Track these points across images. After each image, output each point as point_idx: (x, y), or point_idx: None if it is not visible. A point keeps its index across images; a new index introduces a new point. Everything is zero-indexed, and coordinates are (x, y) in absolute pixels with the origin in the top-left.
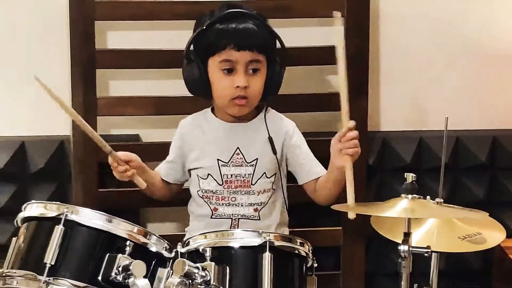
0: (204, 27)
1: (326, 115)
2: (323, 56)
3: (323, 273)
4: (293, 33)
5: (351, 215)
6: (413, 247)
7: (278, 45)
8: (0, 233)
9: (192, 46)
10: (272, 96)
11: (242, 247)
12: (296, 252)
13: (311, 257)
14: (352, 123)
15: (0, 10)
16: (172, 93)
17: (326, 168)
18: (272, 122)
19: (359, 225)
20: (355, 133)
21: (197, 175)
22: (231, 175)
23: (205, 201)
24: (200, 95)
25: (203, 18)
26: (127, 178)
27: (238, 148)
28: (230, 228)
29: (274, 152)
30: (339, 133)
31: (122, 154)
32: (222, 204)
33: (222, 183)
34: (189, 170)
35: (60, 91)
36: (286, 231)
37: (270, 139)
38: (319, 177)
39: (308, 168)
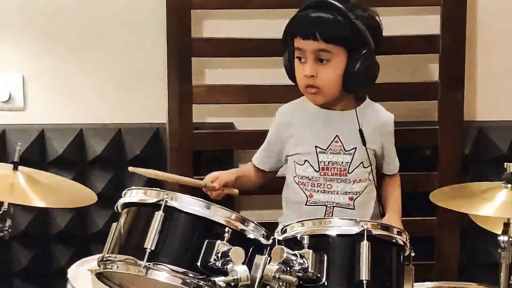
0: (294, 16)
1: (421, 104)
2: (419, 45)
3: (417, 263)
4: (390, 22)
5: None
6: None
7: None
8: (98, 218)
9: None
10: (358, 88)
11: (339, 235)
12: (394, 241)
13: (408, 246)
14: None
15: (100, 4)
16: (267, 81)
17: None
18: (369, 114)
19: (455, 215)
20: None
21: (294, 161)
22: (328, 162)
23: (300, 187)
24: (292, 80)
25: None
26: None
27: (337, 136)
28: (325, 215)
29: (364, 143)
30: None
31: (210, 179)
32: (318, 191)
33: (319, 169)
34: (286, 157)
35: (157, 80)
36: None
37: (360, 131)
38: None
39: (392, 162)
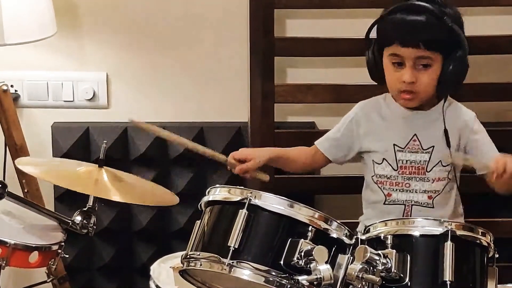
0: (382, 17)
1: (503, 104)
2: (500, 45)
3: (500, 264)
4: (480, 22)
5: None
6: None
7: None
8: (180, 216)
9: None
10: (451, 91)
11: (423, 236)
12: (478, 242)
13: (492, 247)
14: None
15: (184, 4)
16: (349, 81)
17: None
18: (450, 114)
19: None
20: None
21: (372, 160)
22: (407, 161)
23: (379, 186)
24: (375, 81)
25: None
26: (248, 176)
27: (415, 134)
28: (404, 214)
29: (448, 145)
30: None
31: (238, 154)
32: (396, 189)
33: (397, 168)
34: (361, 154)
35: (239, 79)
36: (461, 221)
37: (446, 132)
38: None
39: (490, 158)
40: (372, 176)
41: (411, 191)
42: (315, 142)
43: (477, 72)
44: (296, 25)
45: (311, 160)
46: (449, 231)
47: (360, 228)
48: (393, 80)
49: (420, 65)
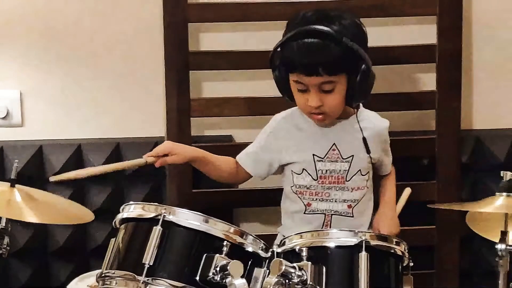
0: (283, 42)
1: (419, 113)
2: (416, 54)
3: (417, 272)
4: (387, 32)
5: None
6: (510, 245)
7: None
8: (97, 233)
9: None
10: (359, 102)
11: (338, 247)
12: (392, 251)
13: (407, 256)
14: None
15: (97, 20)
16: (266, 93)
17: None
18: (367, 121)
19: (454, 223)
20: None
21: (292, 170)
22: (326, 171)
23: (298, 196)
24: (286, 97)
25: (294, 20)
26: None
27: (334, 144)
28: (324, 224)
29: (368, 151)
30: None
31: (161, 148)
32: (316, 199)
33: (317, 178)
34: (283, 166)
35: (155, 94)
36: None
37: (364, 140)
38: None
39: (387, 165)
40: (292, 187)
41: (331, 200)
42: (236, 157)
43: (392, 81)
44: (211, 38)
45: (235, 173)
46: (363, 242)
47: (279, 238)
48: (301, 103)
49: (324, 90)
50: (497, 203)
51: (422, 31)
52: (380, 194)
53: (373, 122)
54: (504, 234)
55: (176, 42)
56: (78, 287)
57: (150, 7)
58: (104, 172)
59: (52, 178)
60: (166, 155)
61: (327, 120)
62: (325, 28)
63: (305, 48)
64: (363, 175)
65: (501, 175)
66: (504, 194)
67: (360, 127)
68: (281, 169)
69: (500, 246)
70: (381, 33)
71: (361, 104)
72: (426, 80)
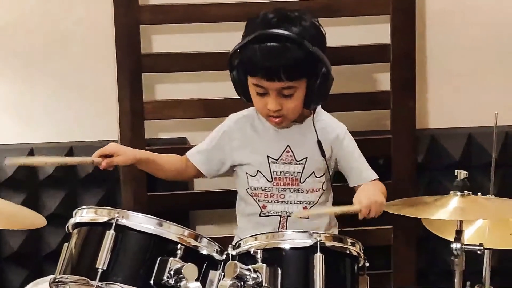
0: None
1: (374, 113)
2: (370, 54)
3: (374, 272)
4: (341, 32)
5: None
6: (465, 244)
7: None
8: (51, 238)
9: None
10: (317, 105)
11: (293, 248)
12: (348, 252)
13: (362, 257)
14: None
15: (48, 20)
16: (220, 95)
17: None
18: (322, 125)
19: (410, 224)
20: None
21: (246, 172)
22: (281, 172)
23: (253, 198)
24: (243, 99)
25: (254, 21)
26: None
27: (288, 146)
28: (279, 226)
29: (323, 155)
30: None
31: (106, 149)
32: (271, 201)
33: (272, 180)
34: (234, 168)
35: (108, 97)
36: (335, 232)
37: (319, 143)
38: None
39: (359, 172)
40: (247, 189)
41: (286, 202)
42: (187, 154)
43: (347, 82)
44: (164, 40)
45: (184, 169)
46: (318, 243)
47: (235, 241)
48: (259, 106)
49: (284, 94)
50: (452, 203)
51: (376, 31)
52: None
53: (329, 126)
54: (459, 233)
55: (128, 44)
56: None
57: (102, 8)
58: (55, 163)
59: (7, 161)
60: (111, 156)
61: (284, 123)
62: (287, 32)
63: (266, 52)
64: (317, 177)
65: (456, 174)
66: (459, 193)
67: (315, 129)
68: (231, 169)
69: (455, 245)
70: (335, 33)
71: (319, 107)
72: (381, 79)
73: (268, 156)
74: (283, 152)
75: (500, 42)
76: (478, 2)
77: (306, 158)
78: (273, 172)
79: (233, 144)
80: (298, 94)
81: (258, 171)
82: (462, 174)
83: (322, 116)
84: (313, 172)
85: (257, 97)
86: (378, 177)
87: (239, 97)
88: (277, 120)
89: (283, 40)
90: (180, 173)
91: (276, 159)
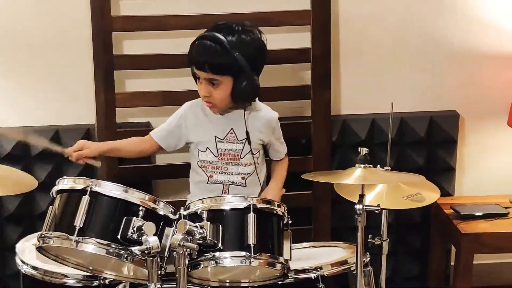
0: (193, 41)
1: (297, 103)
2: (294, 56)
3: (298, 227)
4: (272, 39)
5: None
6: (366, 205)
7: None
8: (42, 201)
9: None
10: (244, 103)
11: (231, 209)
12: (274, 212)
13: (286, 216)
14: None
15: (35, 28)
16: (177, 88)
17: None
18: (257, 114)
19: (326, 190)
20: None
21: (198, 148)
22: (225, 149)
23: (203, 170)
24: None
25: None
26: (82, 162)
27: (232, 128)
28: (222, 192)
29: (249, 143)
30: None
31: (76, 146)
32: (217, 172)
33: (218, 155)
34: (189, 144)
35: (87, 89)
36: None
37: (247, 133)
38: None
39: (278, 153)
40: (197, 162)
41: (229, 173)
42: (150, 133)
43: (277, 78)
44: (133, 44)
45: (146, 148)
46: (251, 205)
47: (187, 204)
48: (199, 91)
49: (212, 83)
50: (356, 173)
51: (299, 38)
52: (272, 174)
53: (262, 115)
54: (361, 196)
55: (103, 47)
56: (25, 245)
57: (82, 18)
58: (40, 145)
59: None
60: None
61: (216, 109)
62: (221, 37)
63: (200, 47)
64: (254, 154)
65: (359, 150)
66: (362, 165)
67: (245, 121)
68: (186, 145)
69: (358, 206)
70: (268, 39)
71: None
72: (303, 76)
73: (215, 136)
74: (227, 134)
75: (397, 46)
76: (380, 10)
77: (246, 139)
78: (219, 149)
79: (188, 125)
80: (224, 88)
81: (207, 147)
82: (363, 150)
83: (258, 105)
84: (251, 150)
85: (198, 84)
86: (286, 153)
87: (191, 89)
88: (209, 104)
89: (215, 42)
90: (143, 151)
91: (222, 138)
